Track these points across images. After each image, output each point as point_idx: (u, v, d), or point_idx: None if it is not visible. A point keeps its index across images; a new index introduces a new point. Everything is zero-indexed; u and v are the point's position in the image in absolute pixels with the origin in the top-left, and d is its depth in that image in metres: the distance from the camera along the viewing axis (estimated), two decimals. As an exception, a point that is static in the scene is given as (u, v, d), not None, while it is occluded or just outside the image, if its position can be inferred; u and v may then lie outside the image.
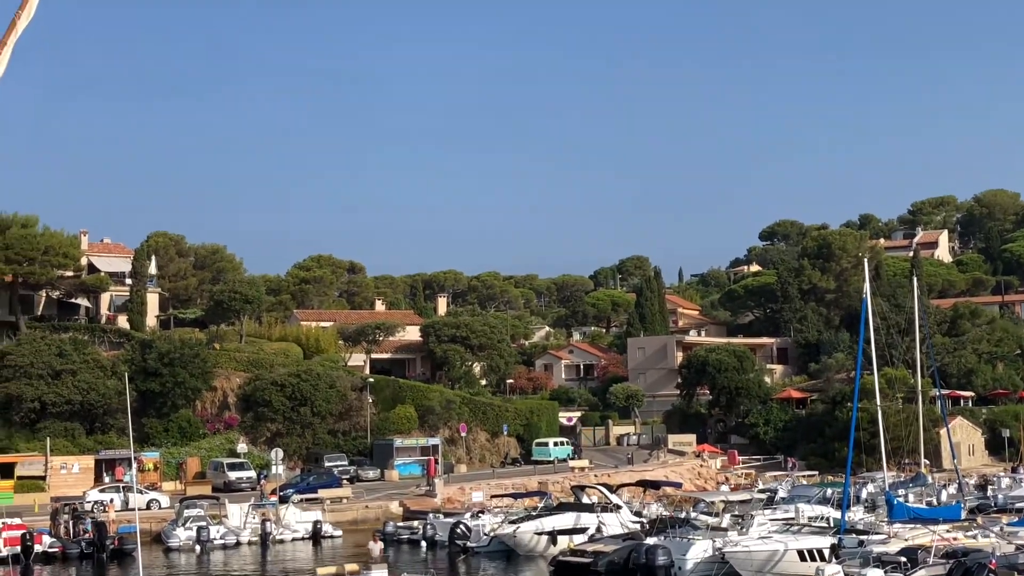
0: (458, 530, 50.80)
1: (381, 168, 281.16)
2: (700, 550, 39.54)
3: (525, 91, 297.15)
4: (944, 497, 58.57)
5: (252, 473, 68.42)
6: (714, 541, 40.05)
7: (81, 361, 72.29)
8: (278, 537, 53.66)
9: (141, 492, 60.45)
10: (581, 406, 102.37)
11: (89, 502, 57.30)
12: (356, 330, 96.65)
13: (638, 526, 49.85)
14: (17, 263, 79.07)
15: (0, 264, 78.27)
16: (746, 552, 38.76)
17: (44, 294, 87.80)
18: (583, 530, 48.58)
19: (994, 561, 35.04)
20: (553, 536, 48.19)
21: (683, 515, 51.77)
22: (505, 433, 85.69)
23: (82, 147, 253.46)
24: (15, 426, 69.69)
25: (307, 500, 60.81)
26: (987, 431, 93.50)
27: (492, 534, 49.66)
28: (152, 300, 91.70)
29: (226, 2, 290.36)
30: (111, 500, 58.36)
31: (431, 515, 55.71)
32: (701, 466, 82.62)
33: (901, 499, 49.79)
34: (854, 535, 41.83)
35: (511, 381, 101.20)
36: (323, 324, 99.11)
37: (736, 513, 45.42)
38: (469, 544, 49.78)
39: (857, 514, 50.90)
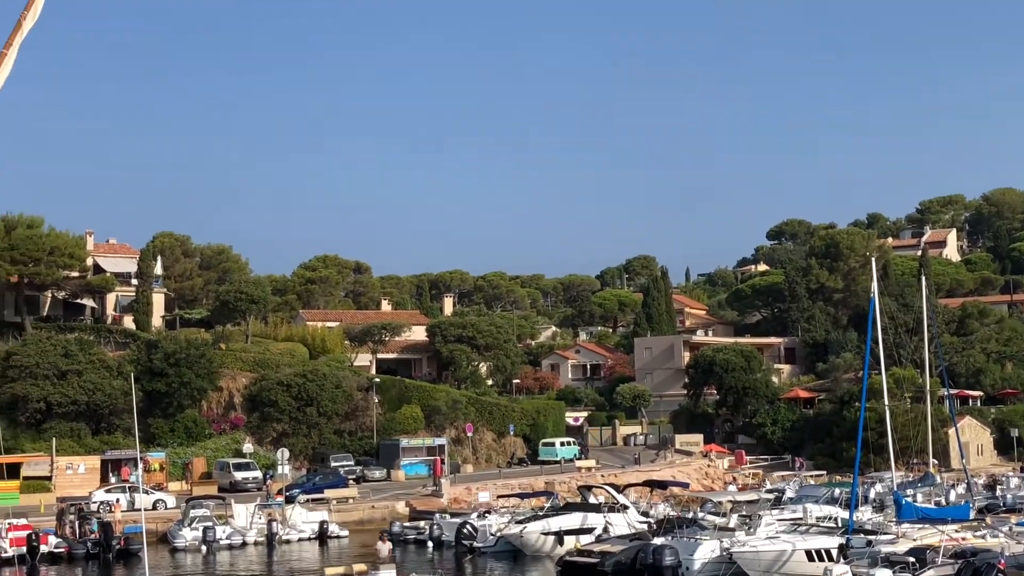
0: (464, 530, 50.64)
1: (386, 168, 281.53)
2: (707, 550, 39.37)
3: (527, 91, 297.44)
4: (953, 497, 58.30)
5: (258, 473, 68.30)
6: (721, 541, 39.86)
7: (87, 361, 72.25)
8: (284, 537, 53.55)
9: (147, 492, 60.37)
10: (588, 406, 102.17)
11: (95, 502, 57.11)
12: (362, 330, 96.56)
13: (645, 526, 49.64)
14: (23, 264, 79.08)
15: (6, 265, 78.26)
16: (754, 552, 38.58)
17: (50, 295, 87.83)
18: (590, 530, 48.40)
19: (1003, 561, 34.87)
20: (560, 536, 48.00)
21: (690, 515, 51.52)
22: (511, 433, 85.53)
23: (87, 147, 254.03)
24: (21, 426, 69.64)
25: (313, 500, 60.63)
26: (996, 431, 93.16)
27: (499, 534, 49.49)
28: (158, 300, 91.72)
29: (229, 1, 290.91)
30: (117, 500, 58.15)
31: (437, 515, 55.61)
32: (708, 466, 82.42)
33: (909, 499, 49.59)
34: (862, 535, 41.63)
35: (517, 381, 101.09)
36: (329, 324, 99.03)
37: (744, 513, 45.30)
38: (476, 544, 49.60)
39: (865, 514, 50.62)
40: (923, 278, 69.63)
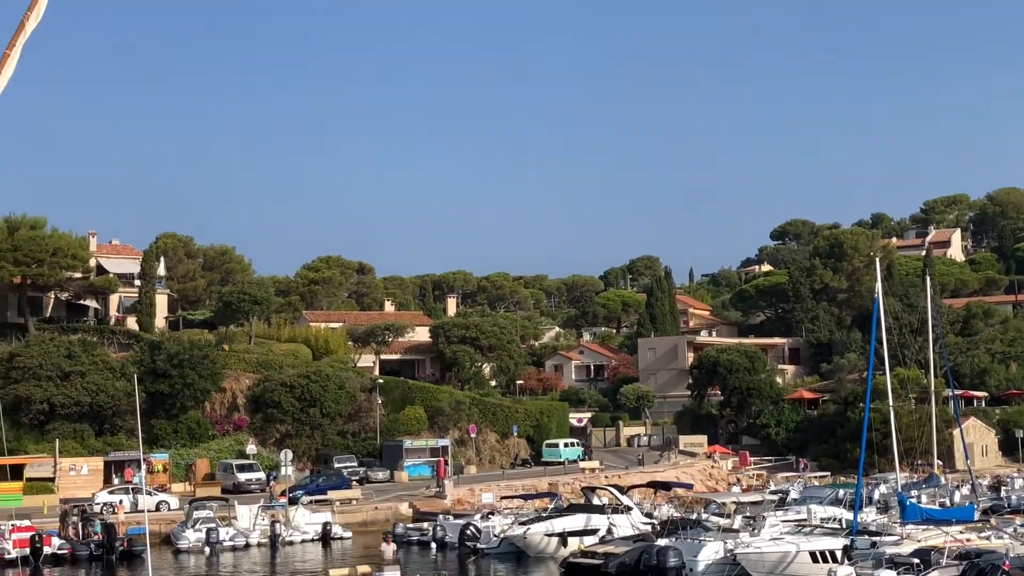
0: (468, 531, 50.64)
1: (386, 168, 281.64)
2: (711, 552, 39.32)
3: (529, 91, 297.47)
4: (957, 498, 58.23)
5: (261, 474, 68.27)
6: (725, 542, 39.82)
7: (90, 362, 72.20)
8: (287, 539, 53.52)
9: (150, 494, 60.44)
10: (591, 407, 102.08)
11: (98, 504, 57.17)
12: (365, 331, 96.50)
13: (649, 527, 49.63)
14: (26, 265, 79.02)
15: (9, 266, 78.21)
16: (758, 553, 38.53)
17: (53, 296, 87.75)
18: (594, 531, 48.35)
19: (1008, 562, 34.83)
20: (563, 537, 47.97)
21: (694, 516, 51.54)
22: (515, 434, 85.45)
23: (90, 148, 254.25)
24: (24, 428, 69.55)
25: (317, 501, 60.63)
26: (1000, 431, 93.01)
27: (502, 535, 49.44)
28: (161, 301, 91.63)
29: (230, 2, 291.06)
30: (120, 502, 58.21)
31: (441, 516, 55.62)
32: (712, 467, 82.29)
33: (914, 500, 49.43)
34: (867, 536, 41.56)
35: (521, 382, 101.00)
36: (332, 325, 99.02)
37: (748, 514, 45.24)
38: (479, 545, 49.61)
39: (870, 515, 50.61)
40: (927, 278, 69.51)
